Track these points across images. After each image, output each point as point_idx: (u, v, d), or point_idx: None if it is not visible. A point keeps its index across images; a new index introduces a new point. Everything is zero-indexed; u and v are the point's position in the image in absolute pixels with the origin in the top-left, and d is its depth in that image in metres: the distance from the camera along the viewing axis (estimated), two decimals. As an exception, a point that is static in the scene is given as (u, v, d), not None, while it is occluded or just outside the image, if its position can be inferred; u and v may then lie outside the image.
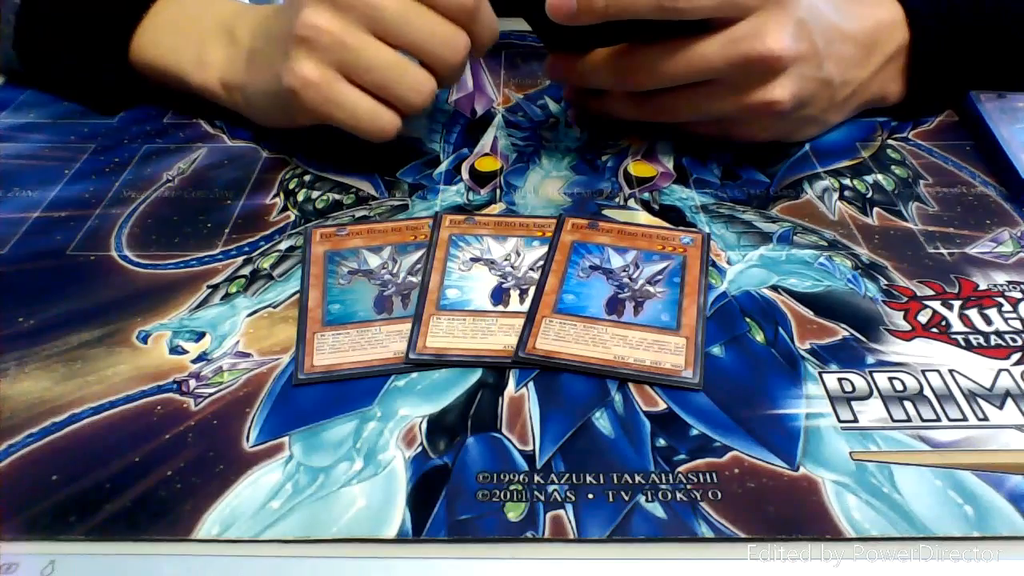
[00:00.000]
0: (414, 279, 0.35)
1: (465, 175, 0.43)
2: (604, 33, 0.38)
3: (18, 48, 0.48)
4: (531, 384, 0.30)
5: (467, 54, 0.39)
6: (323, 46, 0.37)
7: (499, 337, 0.32)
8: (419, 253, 0.36)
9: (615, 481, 0.27)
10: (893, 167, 0.43)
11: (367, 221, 0.38)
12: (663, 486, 0.26)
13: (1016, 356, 0.31)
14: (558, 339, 0.32)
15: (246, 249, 0.37)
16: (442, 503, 0.26)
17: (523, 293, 0.34)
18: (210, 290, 0.35)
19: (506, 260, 0.36)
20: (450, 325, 0.32)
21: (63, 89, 0.50)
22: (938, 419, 0.29)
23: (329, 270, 0.35)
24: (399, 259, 0.36)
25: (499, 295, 0.34)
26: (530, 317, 0.32)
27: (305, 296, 0.34)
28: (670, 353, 0.31)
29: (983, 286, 0.35)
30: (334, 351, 0.31)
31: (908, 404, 0.29)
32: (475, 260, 0.36)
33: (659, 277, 0.35)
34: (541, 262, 0.35)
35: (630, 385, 0.30)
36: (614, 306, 0.33)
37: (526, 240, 0.37)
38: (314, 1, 0.37)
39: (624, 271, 0.35)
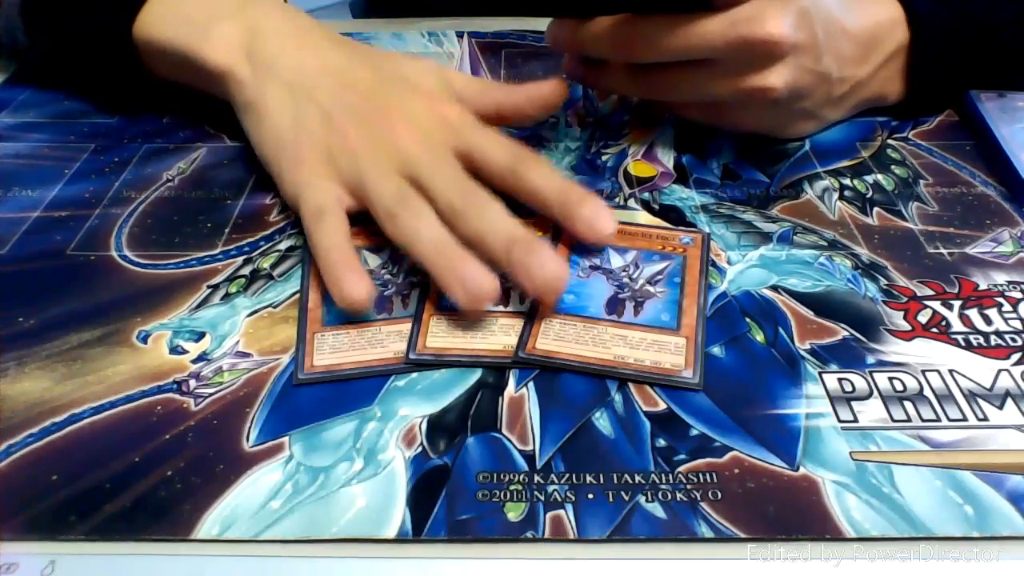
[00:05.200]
0: (414, 279, 0.35)
1: (465, 175, 0.43)
2: (608, 3, 0.38)
3: (24, 17, 0.46)
4: (531, 384, 0.30)
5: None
6: (339, 164, 0.36)
7: (499, 337, 0.32)
8: None
9: (615, 481, 0.27)
10: (893, 167, 0.43)
11: (368, 222, 0.38)
12: (663, 486, 0.26)
13: (1016, 356, 0.31)
14: (558, 339, 0.32)
15: (246, 249, 0.37)
16: (442, 503, 0.26)
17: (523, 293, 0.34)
18: (210, 290, 0.35)
19: None
20: (450, 325, 0.32)
21: (66, 67, 0.48)
22: (938, 419, 0.29)
23: None
24: (399, 260, 0.36)
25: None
26: (530, 317, 0.32)
27: (305, 296, 0.34)
28: (670, 353, 0.31)
29: (983, 286, 0.35)
30: (334, 351, 0.31)
31: (908, 404, 0.29)
32: None
33: (659, 277, 0.35)
34: None
35: (630, 385, 0.30)
36: (614, 306, 0.33)
37: None
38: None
39: (624, 271, 0.35)
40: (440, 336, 0.32)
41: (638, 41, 0.39)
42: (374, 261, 0.36)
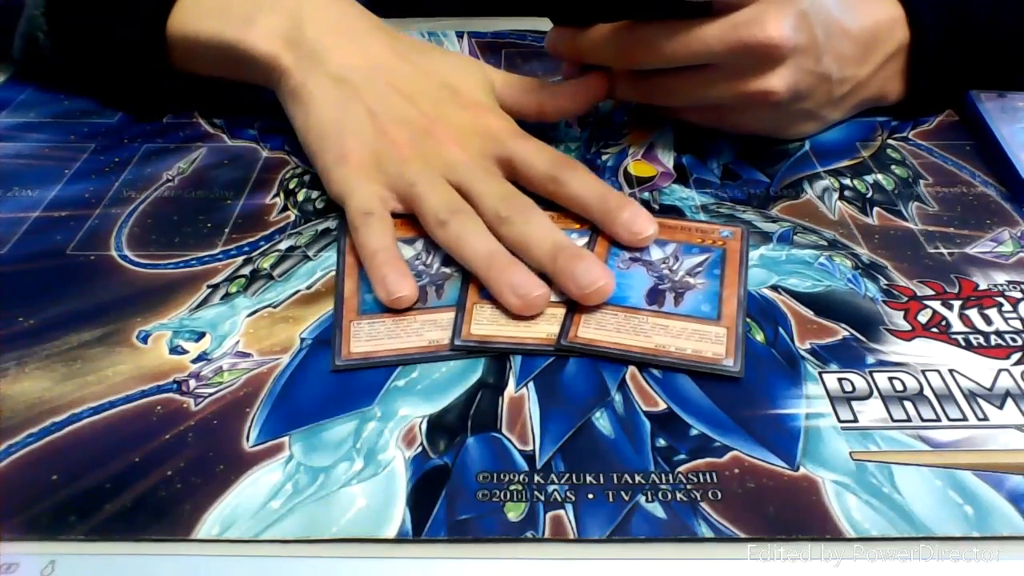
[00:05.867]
0: (447, 270, 0.35)
1: (465, 175, 0.43)
2: (607, 8, 0.38)
3: (49, 15, 0.45)
4: (531, 384, 0.30)
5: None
6: (387, 168, 0.38)
7: (542, 326, 0.32)
8: None
9: (615, 481, 0.27)
10: (893, 167, 0.43)
11: (401, 214, 0.38)
12: (663, 486, 0.26)
13: (1016, 356, 0.31)
14: (599, 328, 0.32)
15: (246, 249, 0.37)
16: (442, 503, 0.26)
17: None
18: (210, 290, 0.35)
19: None
20: (494, 313, 0.33)
21: (92, 71, 0.47)
22: (938, 419, 0.29)
23: None
24: (432, 250, 0.36)
25: None
26: (572, 306, 0.33)
27: (340, 285, 0.34)
28: (711, 342, 0.31)
29: (983, 286, 0.35)
30: (371, 339, 0.32)
31: (908, 404, 0.29)
32: None
33: (699, 269, 0.35)
34: None
35: (630, 385, 0.30)
36: (654, 296, 0.33)
37: (565, 232, 0.37)
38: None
39: (664, 263, 0.35)
40: (484, 324, 0.32)
41: (638, 48, 0.39)
42: (408, 251, 0.36)
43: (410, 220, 0.38)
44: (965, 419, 0.29)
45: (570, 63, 0.44)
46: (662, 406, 0.29)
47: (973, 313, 0.33)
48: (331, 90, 0.40)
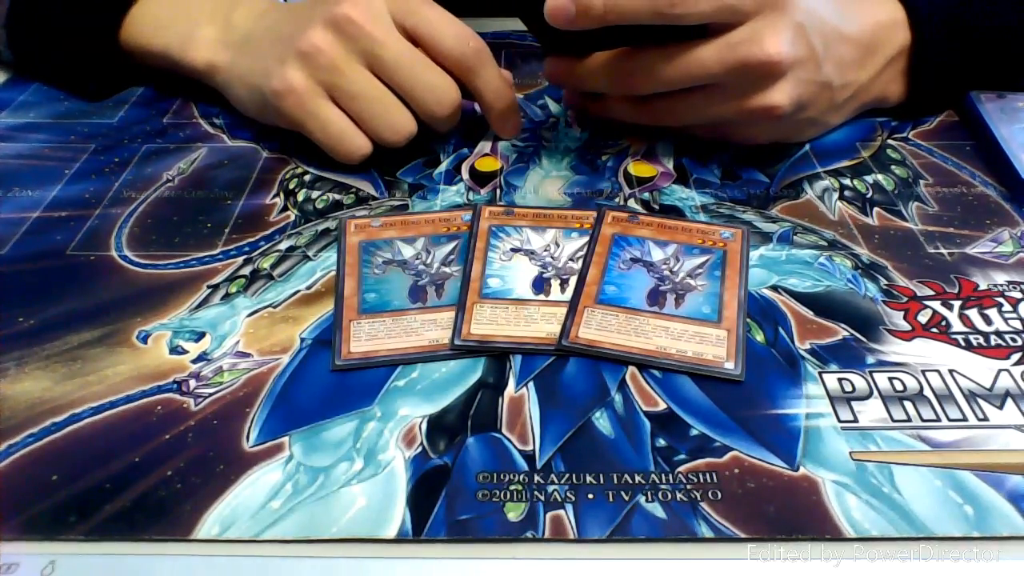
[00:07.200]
0: (447, 269, 0.35)
1: (465, 175, 0.43)
2: (602, 37, 0.38)
3: (9, 28, 0.49)
4: (531, 384, 0.30)
5: (454, 108, 0.41)
6: (318, 64, 0.39)
7: (542, 325, 0.32)
8: (452, 244, 0.36)
9: (615, 481, 0.27)
10: (893, 167, 0.43)
11: (401, 212, 0.39)
12: (663, 486, 0.26)
13: (1016, 356, 0.31)
14: (600, 329, 0.32)
15: (246, 249, 0.37)
16: (442, 503, 0.26)
17: (564, 283, 0.34)
18: (210, 290, 0.35)
19: (546, 251, 0.36)
20: (493, 313, 0.33)
21: (51, 71, 0.51)
22: (938, 419, 0.29)
23: (364, 260, 0.36)
24: (432, 250, 0.36)
25: (540, 284, 0.34)
26: (572, 307, 0.33)
27: (341, 285, 0.34)
28: (712, 345, 0.31)
29: (983, 286, 0.35)
30: (371, 338, 0.32)
31: (908, 404, 0.29)
32: (515, 250, 0.36)
33: (700, 271, 0.35)
34: (580, 252, 0.36)
35: (630, 385, 0.30)
36: (655, 298, 0.33)
37: (565, 232, 0.37)
38: (324, 22, 0.39)
39: (665, 264, 0.35)
40: (484, 323, 0.32)
41: (637, 74, 0.39)
42: (408, 251, 0.36)
43: (410, 220, 0.38)
44: (965, 419, 0.29)
45: (571, 91, 0.44)
46: (662, 406, 0.29)
47: (973, 313, 0.33)
48: (241, 52, 0.43)
